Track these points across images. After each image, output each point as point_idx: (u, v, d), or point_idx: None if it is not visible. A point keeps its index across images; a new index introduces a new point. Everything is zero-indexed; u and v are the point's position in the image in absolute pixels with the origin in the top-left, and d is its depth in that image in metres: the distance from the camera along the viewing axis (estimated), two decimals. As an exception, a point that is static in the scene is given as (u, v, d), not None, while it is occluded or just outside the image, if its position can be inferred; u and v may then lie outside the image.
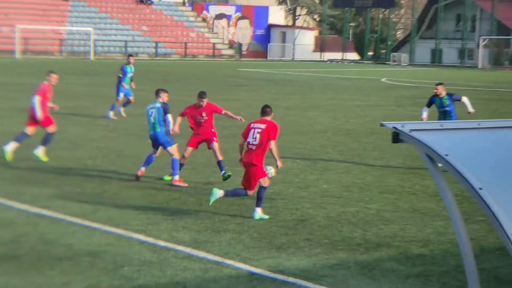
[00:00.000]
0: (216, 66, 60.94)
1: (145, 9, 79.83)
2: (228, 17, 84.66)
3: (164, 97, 14.04)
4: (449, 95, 16.32)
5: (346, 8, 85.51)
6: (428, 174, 13.76)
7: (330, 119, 24.54)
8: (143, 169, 13.75)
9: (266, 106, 11.65)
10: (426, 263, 9.06)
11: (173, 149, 13.69)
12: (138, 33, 75.95)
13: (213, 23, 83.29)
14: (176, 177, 13.47)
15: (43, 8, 71.43)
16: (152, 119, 13.76)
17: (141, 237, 9.96)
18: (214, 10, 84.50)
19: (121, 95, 23.84)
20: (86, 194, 12.56)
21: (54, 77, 15.57)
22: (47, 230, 10.21)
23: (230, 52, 79.75)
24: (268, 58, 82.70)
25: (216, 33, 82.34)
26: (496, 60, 71.37)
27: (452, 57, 76.62)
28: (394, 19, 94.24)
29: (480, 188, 4.80)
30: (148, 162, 13.81)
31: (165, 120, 13.72)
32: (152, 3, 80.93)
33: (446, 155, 5.03)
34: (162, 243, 9.68)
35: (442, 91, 16.24)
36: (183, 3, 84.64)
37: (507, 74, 58.40)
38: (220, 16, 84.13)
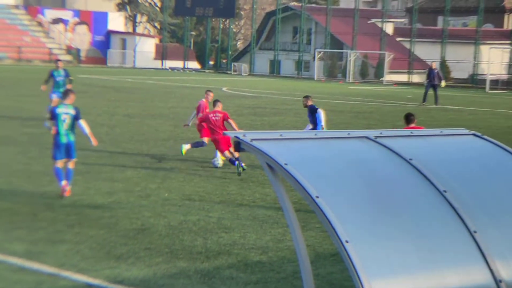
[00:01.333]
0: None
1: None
2: (65, 21, 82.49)
3: (73, 98, 13.26)
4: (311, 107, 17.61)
5: (186, 17, 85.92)
6: (268, 183, 14.06)
7: (171, 127, 24.49)
8: (64, 182, 12.73)
9: None
10: (265, 270, 9.23)
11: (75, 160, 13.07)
12: (-31, 36, 72.36)
13: (49, 27, 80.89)
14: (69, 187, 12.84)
15: None
16: (65, 125, 12.84)
17: (-28, 250, 9.45)
18: (50, 14, 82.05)
19: (54, 96, 23.60)
20: None
21: (210, 95, 18.40)
22: None
23: (68, 57, 77.78)
24: (108, 64, 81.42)
25: (52, 38, 79.98)
26: (330, 72, 74.23)
27: (290, 69, 78.94)
28: (234, 29, 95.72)
29: (317, 197, 4.95)
30: (66, 176, 12.80)
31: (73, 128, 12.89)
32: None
33: (286, 164, 5.15)
34: (-7, 255, 9.24)
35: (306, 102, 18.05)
36: (16, 6, 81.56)
37: (341, 86, 60.92)
38: (57, 21, 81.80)
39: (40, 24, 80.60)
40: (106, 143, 19.40)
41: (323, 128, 17.13)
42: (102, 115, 26.55)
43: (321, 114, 17.64)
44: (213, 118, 16.56)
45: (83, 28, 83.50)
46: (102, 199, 12.82)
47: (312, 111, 17.63)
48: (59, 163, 12.83)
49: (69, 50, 79.52)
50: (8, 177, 14.36)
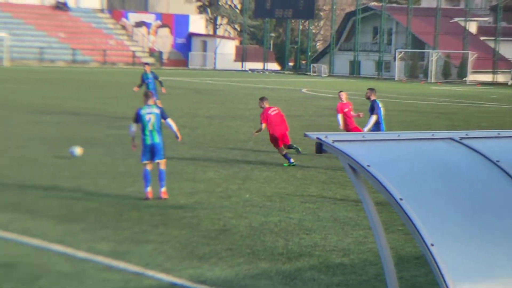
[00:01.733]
0: (137, 75, 60.40)
1: (62, 15, 78.42)
2: (147, 25, 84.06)
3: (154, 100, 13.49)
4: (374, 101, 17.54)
5: (266, 19, 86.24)
6: (349, 184, 13.97)
7: (251, 129, 24.64)
8: (149, 189, 12.85)
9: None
10: (346, 272, 9.18)
11: (164, 160, 13.14)
12: (55, 40, 74.50)
13: (132, 30, 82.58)
14: (164, 189, 12.98)
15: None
16: (150, 125, 12.91)
17: (59, 248, 9.74)
18: (133, 17, 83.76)
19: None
20: (1, 204, 12.21)
21: (343, 95, 18.57)
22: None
23: (151, 60, 79.23)
24: (189, 67, 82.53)
25: (136, 41, 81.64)
26: (411, 73, 73.19)
27: (370, 69, 78.22)
28: (313, 31, 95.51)
29: (401, 199, 4.89)
30: (149, 179, 12.80)
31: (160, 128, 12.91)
32: (69, 9, 79.57)
33: (368, 165, 5.11)
34: (80, 254, 9.50)
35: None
36: (102, 10, 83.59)
37: (422, 86, 59.96)
38: (139, 24, 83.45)
39: (123, 27, 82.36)
40: (188, 144, 19.67)
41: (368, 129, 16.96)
42: (184, 117, 26.95)
43: (382, 110, 17.52)
44: (272, 113, 17.24)
45: (165, 31, 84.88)
46: (185, 200, 13.01)
47: (374, 107, 17.48)
48: (147, 165, 13.01)
49: (151, 52, 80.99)
50: (94, 178, 14.74)
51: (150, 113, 13.03)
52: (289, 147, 17.41)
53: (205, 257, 9.56)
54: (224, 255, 9.66)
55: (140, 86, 25.71)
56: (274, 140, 17.26)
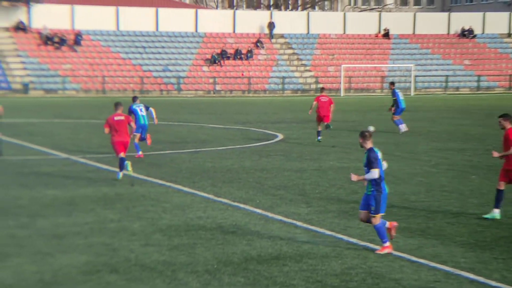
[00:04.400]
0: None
1: (468, 43, 78.36)
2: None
3: None
4: None
5: None
6: None
7: None
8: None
9: None
10: None
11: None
12: (460, 68, 74.71)
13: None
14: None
15: (366, 47, 73.63)
16: None
17: (470, 275, 9.67)
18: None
19: None
20: (411, 230, 12.55)
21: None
22: (375, 264, 10.38)
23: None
24: None
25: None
26: None
27: None
28: None
29: None
30: None
31: None
32: (475, 36, 79.21)
33: None
34: (493, 283, 9.30)
35: None
36: (508, 35, 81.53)
37: None
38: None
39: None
40: None
41: None
42: None
43: None
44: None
45: None
46: None
47: None
48: None
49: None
50: (504, 206, 14.33)
51: None
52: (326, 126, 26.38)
53: None
54: None
55: None
56: (319, 119, 26.53)
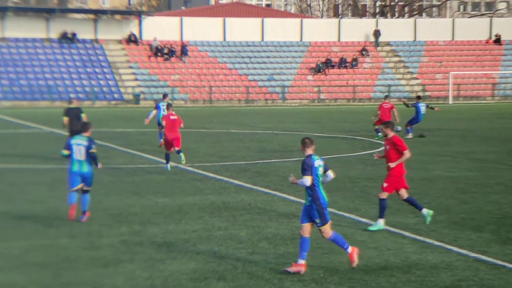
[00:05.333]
0: None
1: None
2: None
3: None
4: None
5: None
6: None
7: None
8: None
9: None
10: None
11: None
12: None
13: None
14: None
15: (476, 53, 71.82)
16: None
17: None
18: None
19: None
20: (524, 241, 12.14)
21: None
22: (487, 276, 10.09)
23: None
24: None
25: None
26: None
27: None
28: None
29: None
30: None
31: None
32: None
33: None
34: None
35: None
36: None
37: None
38: None
39: None
40: None
41: None
42: None
43: None
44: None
45: None
46: None
47: None
48: None
49: None
50: None
51: None
52: None
53: None
54: None
55: None
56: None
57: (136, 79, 62.65)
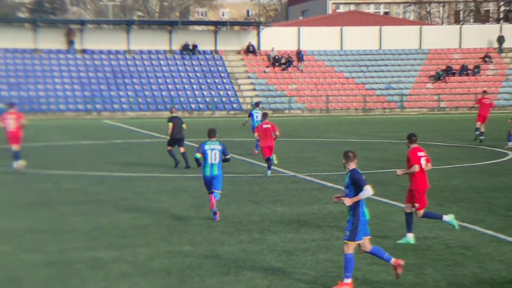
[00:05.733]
0: None
1: None
2: None
3: None
4: None
5: None
6: None
7: None
8: None
9: None
10: None
11: None
12: None
13: None
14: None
15: None
16: None
17: None
18: None
19: None
20: None
21: None
22: None
23: None
24: None
25: None
26: None
27: None
28: None
29: None
30: None
31: None
32: None
33: None
34: None
35: None
36: None
37: None
38: None
39: None
40: None
41: None
42: None
43: None
44: None
45: None
46: None
47: None
48: None
49: None
50: None
51: None
52: None
53: None
54: None
55: None
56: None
57: (254, 89, 63.43)
